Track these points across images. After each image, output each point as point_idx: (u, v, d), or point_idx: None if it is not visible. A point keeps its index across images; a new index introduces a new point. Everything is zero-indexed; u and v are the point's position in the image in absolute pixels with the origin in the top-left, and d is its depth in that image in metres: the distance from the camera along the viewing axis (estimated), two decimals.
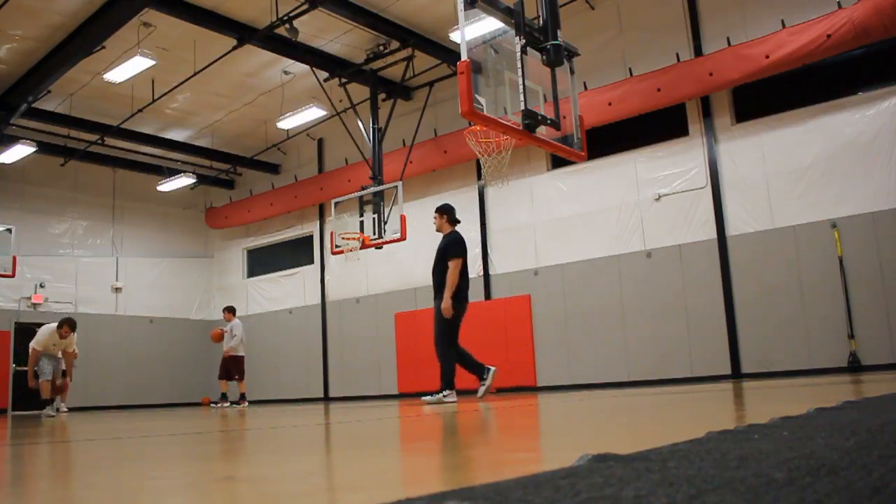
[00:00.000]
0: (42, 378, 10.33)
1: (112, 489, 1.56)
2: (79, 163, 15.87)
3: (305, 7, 10.54)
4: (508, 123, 5.21)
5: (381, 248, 12.63)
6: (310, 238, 16.71)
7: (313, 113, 13.69)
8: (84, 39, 11.21)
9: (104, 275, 16.64)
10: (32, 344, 10.34)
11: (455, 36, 10.84)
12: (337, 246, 12.55)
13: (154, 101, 13.41)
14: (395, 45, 12.26)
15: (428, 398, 7.36)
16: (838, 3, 9.44)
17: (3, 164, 14.56)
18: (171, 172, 16.72)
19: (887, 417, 1.89)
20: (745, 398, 4.35)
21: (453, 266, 7.10)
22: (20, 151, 13.92)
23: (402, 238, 11.86)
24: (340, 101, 13.22)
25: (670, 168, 11.15)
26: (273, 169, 17.39)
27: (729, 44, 10.32)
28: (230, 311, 13.15)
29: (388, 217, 12.25)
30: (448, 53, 12.17)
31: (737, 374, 10.14)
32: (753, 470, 1.04)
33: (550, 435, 2.71)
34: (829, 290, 9.53)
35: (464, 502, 0.87)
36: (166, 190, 16.97)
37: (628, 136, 11.57)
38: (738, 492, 0.88)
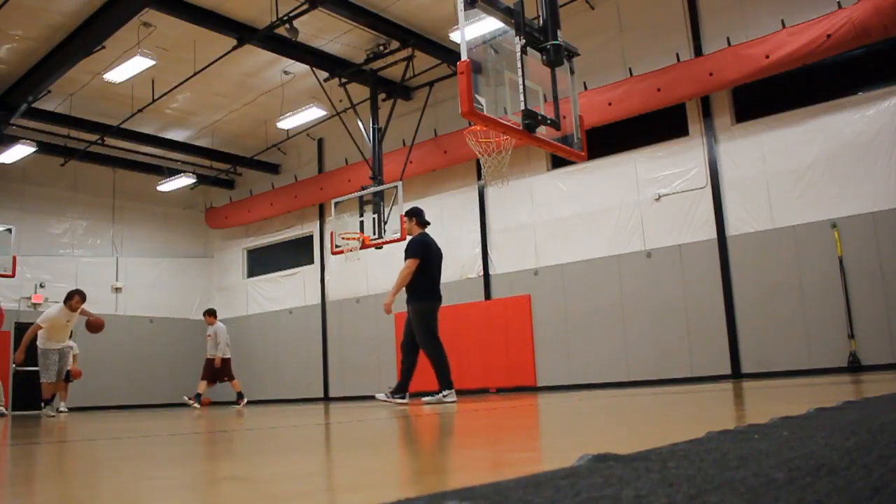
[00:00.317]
0: (45, 379, 9.76)
1: (112, 489, 1.56)
2: (79, 163, 15.87)
3: (305, 7, 10.54)
4: (508, 123, 5.20)
5: (381, 248, 12.62)
6: (310, 238, 16.71)
7: (313, 113, 13.69)
8: (84, 39, 11.21)
9: (104, 275, 16.63)
10: (38, 320, 9.68)
11: (455, 36, 10.84)
12: (337, 246, 12.55)
13: (154, 101, 13.41)
14: (395, 45, 12.26)
15: (428, 398, 7.38)
16: (838, 3, 9.44)
17: (3, 164, 14.56)
18: (171, 172, 16.72)
19: (887, 417, 1.89)
20: (745, 398, 4.35)
21: (407, 264, 7.19)
22: (20, 151, 13.92)
23: (402, 238, 11.85)
24: (340, 101, 13.22)
25: (670, 168, 11.15)
26: (273, 169, 17.39)
27: (729, 44, 10.32)
28: (212, 314, 12.73)
29: (388, 217, 12.25)
30: (448, 53, 12.17)
31: (737, 374, 10.14)
32: (753, 470, 1.04)
33: (550, 435, 2.71)
34: (829, 290, 9.53)
35: (464, 502, 0.87)
36: (166, 190, 16.98)
37: (628, 136, 11.57)
38: (738, 492, 0.88)
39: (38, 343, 9.70)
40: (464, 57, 4.84)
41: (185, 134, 16.13)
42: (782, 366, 9.77)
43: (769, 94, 10.48)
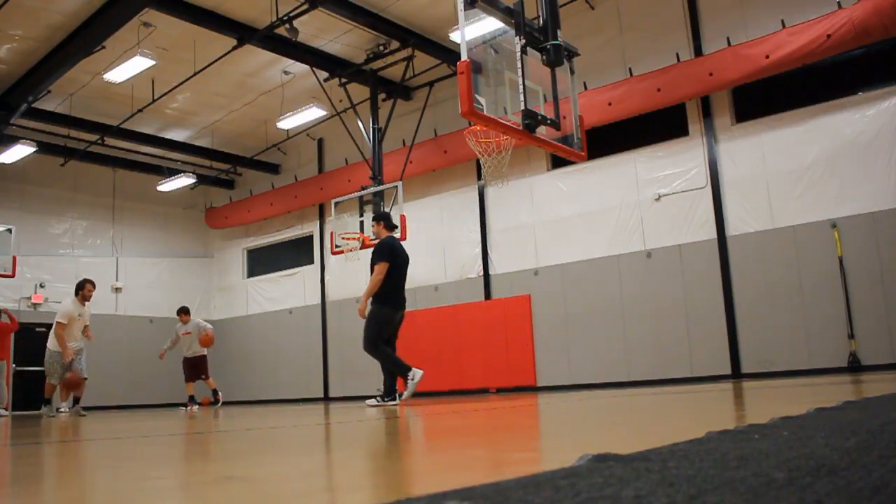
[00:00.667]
0: (53, 381, 9.30)
1: (112, 489, 1.56)
2: (79, 163, 15.87)
3: (305, 7, 10.54)
4: (508, 123, 5.20)
5: None
6: (310, 238, 16.71)
7: (313, 113, 13.69)
8: (84, 39, 11.21)
9: (104, 275, 16.61)
10: (58, 319, 9.16)
11: (455, 36, 10.84)
12: (337, 246, 12.55)
13: (154, 101, 13.41)
14: (395, 45, 12.26)
15: (371, 401, 7.42)
16: (838, 3, 9.44)
17: (3, 164, 14.56)
18: (171, 172, 16.72)
19: (887, 417, 1.89)
20: (745, 398, 4.35)
21: (378, 268, 7.17)
22: (20, 151, 13.92)
23: (402, 238, 11.82)
24: (340, 101, 13.22)
25: (670, 168, 11.15)
26: (273, 169, 17.40)
27: (729, 44, 10.32)
28: (185, 311, 12.32)
29: None
30: (448, 53, 12.17)
31: (737, 374, 10.14)
32: (753, 470, 1.04)
33: (550, 435, 2.71)
34: (829, 290, 9.52)
35: (464, 502, 0.87)
36: (166, 190, 16.98)
37: (628, 136, 11.57)
38: (738, 492, 0.88)
39: (48, 344, 9.33)
40: (464, 57, 4.83)
41: (185, 134, 16.13)
42: (782, 366, 9.77)
43: (769, 94, 10.48)
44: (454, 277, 13.65)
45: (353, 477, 1.59)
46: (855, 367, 9.17)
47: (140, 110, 13.62)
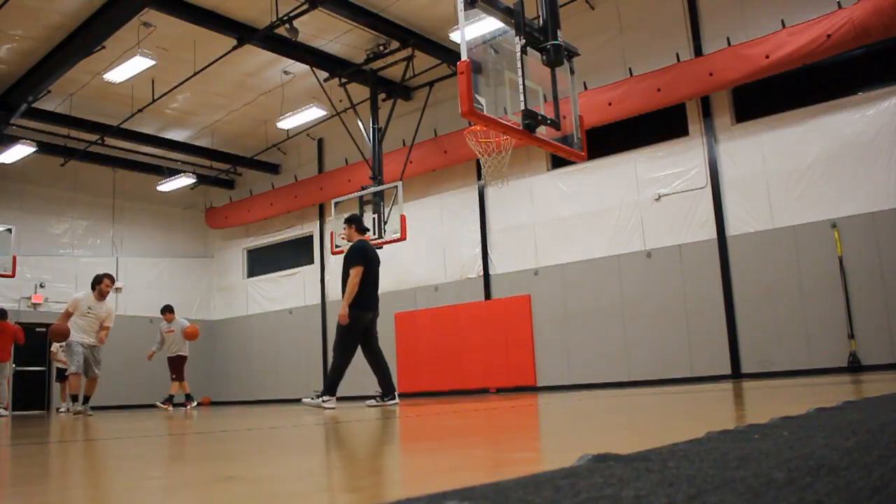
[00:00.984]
0: (73, 368, 8.70)
1: (112, 489, 1.56)
2: (79, 163, 15.87)
3: (305, 7, 10.54)
4: (508, 123, 5.20)
5: (380, 248, 12.61)
6: (310, 238, 16.71)
7: (313, 113, 13.68)
8: (84, 39, 11.20)
9: None
10: (67, 307, 8.79)
11: (455, 36, 10.83)
12: (337, 246, 12.55)
13: (154, 101, 13.41)
14: (395, 45, 12.26)
15: (307, 400, 7.42)
16: (838, 3, 9.44)
17: (3, 164, 14.56)
18: (171, 172, 16.72)
19: (887, 417, 1.89)
20: (745, 398, 4.35)
21: (354, 272, 7.16)
22: (20, 151, 13.92)
23: (402, 238, 11.86)
24: (340, 101, 13.21)
25: (670, 168, 11.15)
26: (273, 169, 17.40)
27: (729, 44, 10.32)
28: (170, 310, 12.10)
29: (388, 217, 12.25)
30: (448, 53, 12.17)
31: (737, 374, 10.14)
32: (753, 470, 1.04)
33: (550, 435, 2.71)
34: (829, 290, 9.52)
35: (464, 502, 0.87)
36: (166, 190, 16.98)
37: (628, 136, 11.57)
38: (738, 492, 0.88)
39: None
40: (464, 57, 4.83)
41: (185, 134, 16.13)
42: (782, 366, 9.77)
43: (769, 94, 10.48)
44: (454, 277, 13.65)
45: (352, 477, 1.59)
46: (855, 367, 9.17)
47: (140, 110, 13.62)
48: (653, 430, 2.40)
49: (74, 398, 8.89)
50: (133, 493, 1.46)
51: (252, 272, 18.04)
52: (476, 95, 4.90)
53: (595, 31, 11.83)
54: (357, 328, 7.26)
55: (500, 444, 2.30)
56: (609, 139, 11.52)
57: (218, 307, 18.46)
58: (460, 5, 4.87)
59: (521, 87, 5.12)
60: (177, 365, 12.02)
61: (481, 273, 13.21)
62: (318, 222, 16.37)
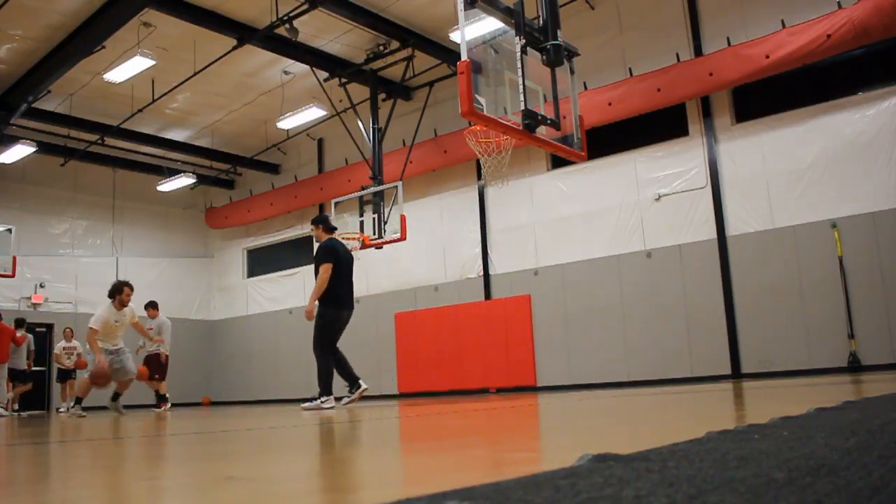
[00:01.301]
0: (127, 375, 8.60)
1: (112, 489, 1.56)
2: (79, 163, 15.87)
3: (305, 7, 10.54)
4: (508, 123, 5.20)
5: (381, 248, 12.62)
6: (310, 238, 16.67)
7: (313, 113, 13.68)
8: (84, 39, 11.21)
9: (104, 275, 16.59)
10: (91, 324, 8.45)
11: (455, 36, 10.83)
12: None
13: (154, 101, 13.41)
14: (395, 45, 12.26)
15: (307, 404, 7.43)
16: (838, 3, 9.44)
17: (3, 164, 14.56)
18: (171, 172, 16.72)
19: (887, 417, 1.89)
20: (745, 398, 4.35)
21: (323, 269, 7.22)
22: (20, 151, 13.92)
23: (402, 238, 11.86)
24: (340, 101, 13.22)
25: (670, 168, 11.15)
26: (273, 169, 17.40)
27: (729, 44, 10.32)
28: (154, 306, 11.59)
29: (388, 217, 12.25)
30: (448, 53, 12.17)
31: (737, 374, 10.14)
32: (753, 470, 1.04)
33: (550, 435, 2.71)
34: (829, 290, 9.52)
35: (464, 502, 0.87)
36: (166, 190, 16.98)
37: (628, 136, 11.57)
38: (738, 492, 0.88)
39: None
40: (464, 57, 4.83)
41: (185, 134, 16.13)
42: (782, 366, 9.77)
43: (769, 94, 10.48)
44: (454, 277, 13.65)
45: (352, 477, 1.59)
46: (855, 367, 9.17)
47: (140, 110, 13.62)
48: (653, 430, 2.40)
49: (78, 400, 8.70)
50: (133, 494, 1.46)
51: (252, 272, 18.05)
52: (476, 95, 4.90)
53: (595, 31, 11.83)
54: (334, 326, 7.30)
55: (500, 444, 2.30)
56: (609, 139, 11.52)
57: (218, 307, 18.46)
58: (460, 5, 4.87)
59: (521, 87, 5.12)
60: (155, 363, 11.25)
61: (481, 273, 13.21)
62: None
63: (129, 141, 15.47)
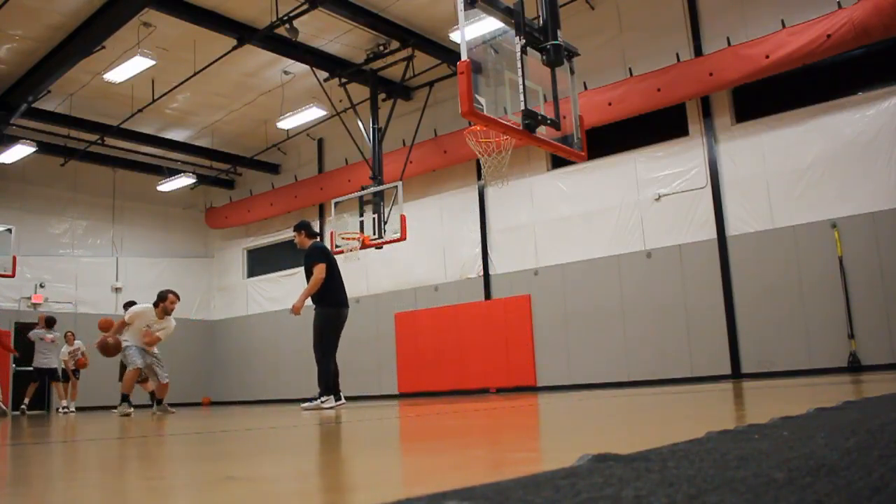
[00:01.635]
0: (131, 366, 8.33)
1: (112, 489, 1.56)
2: (79, 163, 15.87)
3: (305, 7, 10.54)
4: (508, 123, 5.20)
5: (381, 248, 12.62)
6: None
7: (313, 113, 13.68)
8: (84, 39, 11.21)
9: (104, 275, 16.63)
10: (125, 316, 8.48)
11: (455, 36, 10.83)
12: (337, 246, 12.54)
13: (154, 101, 13.41)
14: (395, 45, 12.26)
15: (307, 404, 7.42)
16: (838, 3, 9.44)
17: (3, 164, 14.56)
18: (171, 172, 16.72)
19: (887, 417, 1.89)
20: (745, 398, 4.35)
21: (317, 269, 7.29)
22: (20, 151, 13.92)
23: (402, 238, 11.86)
24: (340, 101, 13.21)
25: (670, 168, 11.15)
26: (273, 169, 17.39)
27: (729, 44, 10.32)
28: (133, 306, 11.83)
29: (388, 217, 12.25)
30: (448, 53, 12.17)
31: (737, 374, 10.14)
32: (753, 470, 1.04)
33: (550, 435, 2.71)
34: (829, 290, 9.52)
35: (464, 502, 0.87)
36: (166, 190, 16.98)
37: (628, 136, 11.57)
38: (738, 492, 0.88)
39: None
40: (464, 57, 4.83)
41: (185, 134, 16.13)
42: (782, 366, 9.77)
43: (769, 94, 10.48)
44: (454, 277, 13.65)
45: (352, 477, 1.59)
46: (855, 367, 9.17)
47: (140, 110, 13.62)
48: (653, 430, 2.40)
49: (125, 397, 8.42)
50: (133, 494, 1.46)
51: (252, 272, 18.04)
52: (476, 95, 4.90)
53: (595, 31, 11.83)
54: (335, 326, 7.35)
55: (500, 444, 2.30)
56: (609, 139, 11.52)
57: (218, 307, 18.46)
58: (460, 5, 4.87)
59: (521, 87, 5.12)
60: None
61: (481, 273, 13.21)
62: (318, 222, 16.36)
63: (129, 141, 15.47)
